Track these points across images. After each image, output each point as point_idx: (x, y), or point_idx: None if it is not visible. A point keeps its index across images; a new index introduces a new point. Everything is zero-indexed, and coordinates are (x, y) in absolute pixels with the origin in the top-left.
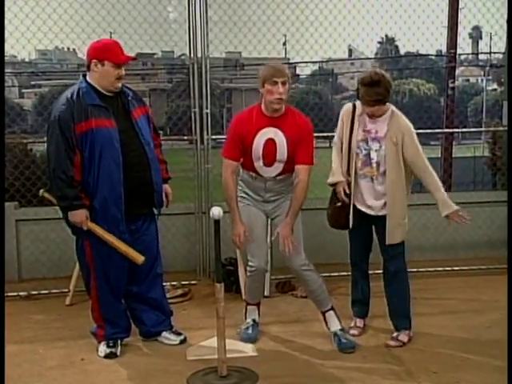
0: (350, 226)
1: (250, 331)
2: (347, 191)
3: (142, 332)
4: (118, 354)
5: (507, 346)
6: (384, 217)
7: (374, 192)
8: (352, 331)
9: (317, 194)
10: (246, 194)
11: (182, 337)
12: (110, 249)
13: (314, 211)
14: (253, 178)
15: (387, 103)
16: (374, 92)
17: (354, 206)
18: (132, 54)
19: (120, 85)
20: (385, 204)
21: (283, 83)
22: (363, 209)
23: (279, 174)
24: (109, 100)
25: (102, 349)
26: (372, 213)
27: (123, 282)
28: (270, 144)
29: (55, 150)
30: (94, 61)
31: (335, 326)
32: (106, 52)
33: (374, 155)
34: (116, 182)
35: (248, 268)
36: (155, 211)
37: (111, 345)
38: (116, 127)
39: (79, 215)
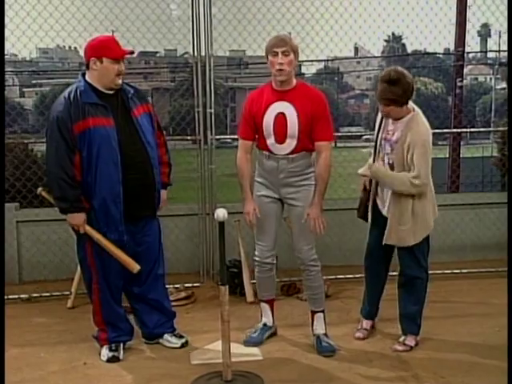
0: (368, 219)
1: (255, 335)
2: (367, 187)
3: (145, 334)
4: (121, 357)
5: (507, 349)
6: None
7: (386, 192)
8: (357, 334)
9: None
10: (262, 177)
11: (183, 340)
12: None
13: None
14: (266, 158)
15: (409, 106)
16: (390, 91)
17: (375, 202)
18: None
19: (120, 81)
20: None
21: (284, 53)
22: (380, 205)
23: (292, 153)
24: (108, 98)
25: (105, 353)
26: (384, 212)
27: (121, 284)
28: (281, 119)
29: (55, 150)
30: (93, 59)
31: (320, 329)
32: (102, 48)
33: (386, 157)
34: (115, 181)
35: (254, 257)
36: (157, 212)
37: (113, 348)
38: (114, 126)
39: (77, 218)
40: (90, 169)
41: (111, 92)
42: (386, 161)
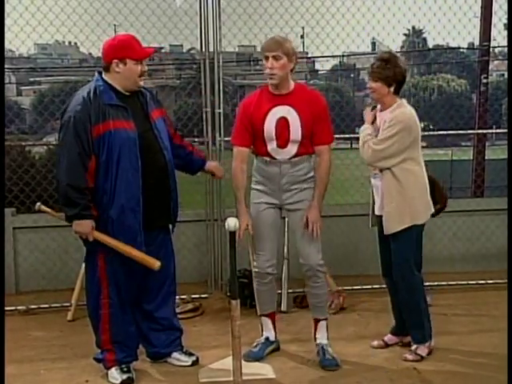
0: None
1: (255, 349)
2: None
3: (150, 353)
4: (135, 378)
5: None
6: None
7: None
8: (373, 342)
9: (338, 200)
10: (262, 184)
11: (194, 357)
12: (125, 263)
13: (334, 218)
14: (267, 164)
15: (397, 99)
16: (382, 67)
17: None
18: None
19: (142, 83)
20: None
21: (274, 58)
22: (376, 210)
23: (294, 156)
24: (127, 100)
25: (117, 375)
26: (377, 211)
27: (134, 299)
28: (283, 123)
29: (67, 153)
30: (115, 61)
31: (323, 338)
32: (125, 49)
33: None
34: (134, 189)
35: (252, 269)
36: (170, 226)
37: (125, 370)
38: (135, 129)
39: (85, 225)
40: (109, 175)
41: (129, 93)
42: None
